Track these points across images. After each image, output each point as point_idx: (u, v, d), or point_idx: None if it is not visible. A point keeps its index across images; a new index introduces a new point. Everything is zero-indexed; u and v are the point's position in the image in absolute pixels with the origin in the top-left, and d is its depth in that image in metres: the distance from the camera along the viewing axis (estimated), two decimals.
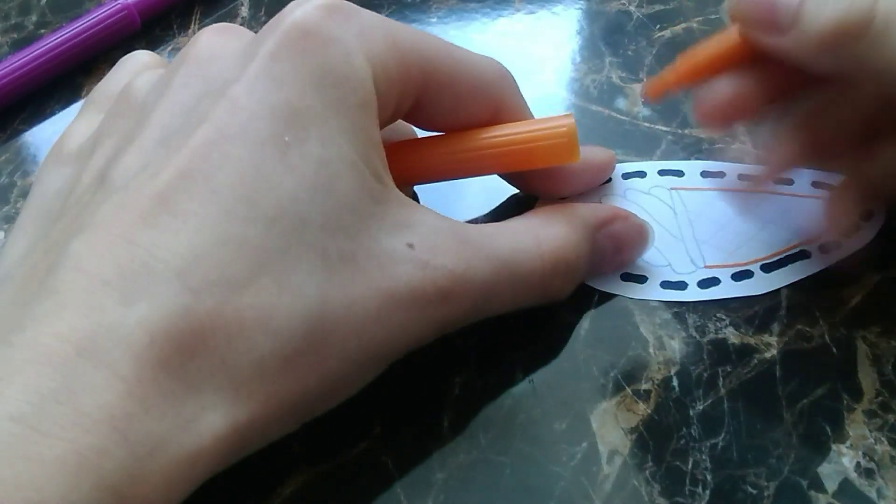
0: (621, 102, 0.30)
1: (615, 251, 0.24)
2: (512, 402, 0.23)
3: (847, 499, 0.20)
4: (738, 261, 0.25)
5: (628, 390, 0.23)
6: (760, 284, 0.24)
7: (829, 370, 0.23)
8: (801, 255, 0.25)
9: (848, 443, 0.21)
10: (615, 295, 0.25)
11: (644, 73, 0.31)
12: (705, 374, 0.23)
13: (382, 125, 0.21)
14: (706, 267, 0.25)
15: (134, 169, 0.19)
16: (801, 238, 0.25)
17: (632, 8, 0.34)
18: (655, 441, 0.22)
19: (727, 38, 0.23)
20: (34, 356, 0.16)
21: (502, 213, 0.27)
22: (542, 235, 0.22)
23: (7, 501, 0.14)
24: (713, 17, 0.33)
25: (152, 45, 0.36)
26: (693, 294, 0.24)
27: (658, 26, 0.33)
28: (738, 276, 0.25)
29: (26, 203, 0.23)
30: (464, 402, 0.23)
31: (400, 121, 0.24)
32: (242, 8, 0.37)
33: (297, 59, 0.20)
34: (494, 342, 0.24)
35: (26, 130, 0.33)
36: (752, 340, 0.23)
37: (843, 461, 0.21)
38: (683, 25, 0.33)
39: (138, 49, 0.27)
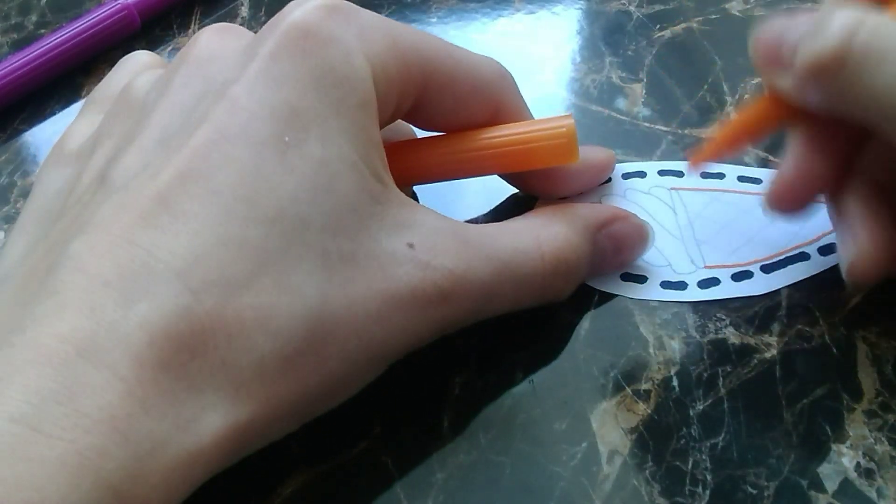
0: (621, 102, 0.30)
1: (615, 251, 0.24)
2: (512, 402, 0.23)
3: (847, 499, 0.20)
4: (737, 261, 0.25)
5: (628, 390, 0.23)
6: (760, 285, 0.24)
7: (829, 370, 0.23)
8: (801, 257, 0.25)
9: (848, 443, 0.21)
10: (615, 295, 0.25)
11: (644, 73, 0.31)
12: (705, 374, 0.23)
13: (382, 125, 0.21)
14: (706, 267, 0.25)
15: (134, 169, 0.19)
16: (800, 239, 0.25)
17: (632, 8, 0.34)
18: (655, 441, 0.22)
19: (761, 101, 0.23)
20: (34, 357, 0.16)
21: (502, 213, 0.27)
22: (543, 236, 0.22)
23: (7, 501, 0.14)
24: (713, 16, 0.33)
25: (152, 45, 0.36)
26: (693, 294, 0.24)
27: (658, 26, 0.33)
28: (738, 277, 0.25)
29: (27, 203, 0.23)
30: (464, 402, 0.23)
31: (400, 121, 0.24)
32: (242, 8, 0.37)
33: (297, 60, 0.20)
34: (494, 342, 0.24)
35: (26, 130, 0.33)
36: (752, 340, 0.23)
37: (843, 461, 0.21)
38: (683, 25, 0.33)
39: (138, 49, 0.27)
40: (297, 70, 0.19)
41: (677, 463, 0.21)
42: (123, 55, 0.27)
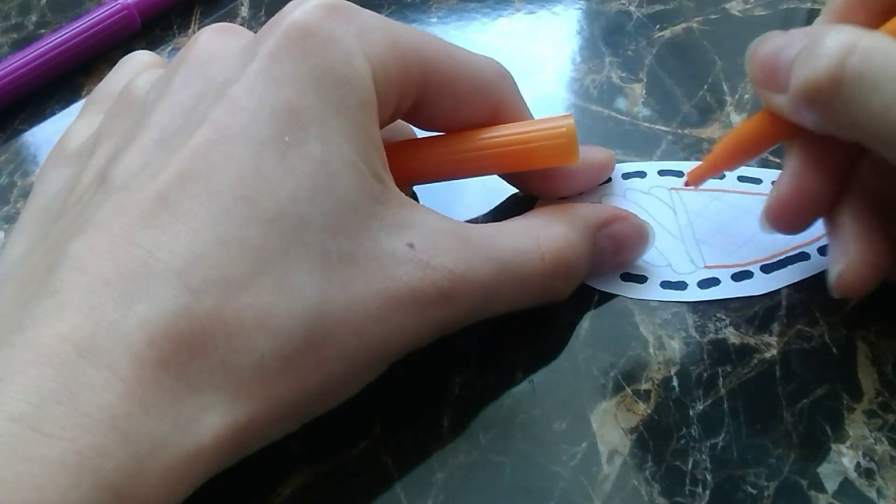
0: (621, 102, 0.30)
1: (615, 251, 0.24)
2: (512, 402, 0.23)
3: (847, 499, 0.20)
4: (737, 261, 0.25)
5: (628, 390, 0.23)
6: (760, 285, 0.24)
7: (829, 370, 0.23)
8: (801, 257, 0.25)
9: (848, 443, 0.21)
10: (615, 295, 0.25)
11: (644, 73, 0.31)
12: (705, 374, 0.23)
13: (382, 125, 0.21)
14: (706, 267, 0.25)
15: (134, 169, 0.19)
16: (800, 240, 0.25)
17: (632, 8, 0.34)
18: (655, 441, 0.22)
19: (758, 117, 0.23)
20: (34, 357, 0.16)
21: (502, 213, 0.27)
22: (543, 236, 0.22)
23: (7, 501, 0.14)
24: (713, 17, 0.33)
25: (152, 45, 0.36)
26: (693, 294, 0.24)
27: (658, 26, 0.33)
28: (738, 277, 0.25)
29: (27, 203, 0.23)
30: (464, 402, 0.23)
31: (400, 121, 0.24)
32: (242, 8, 0.37)
33: (297, 59, 0.20)
34: (494, 342, 0.24)
35: (26, 130, 0.33)
36: (752, 340, 0.23)
37: (843, 461, 0.21)
38: (683, 25, 0.33)
39: (138, 49, 0.27)
40: (297, 70, 0.19)
41: (677, 463, 0.21)
42: (123, 55, 0.27)
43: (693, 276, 0.25)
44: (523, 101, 0.25)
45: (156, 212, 0.18)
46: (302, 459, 0.22)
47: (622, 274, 0.25)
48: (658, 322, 0.24)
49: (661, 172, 0.27)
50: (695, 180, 0.25)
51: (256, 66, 0.19)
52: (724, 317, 0.24)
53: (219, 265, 0.17)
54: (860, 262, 0.22)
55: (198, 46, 0.22)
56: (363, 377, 0.20)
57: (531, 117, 0.25)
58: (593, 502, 0.21)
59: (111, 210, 0.18)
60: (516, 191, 0.27)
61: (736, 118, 0.29)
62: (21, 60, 0.33)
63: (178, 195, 0.18)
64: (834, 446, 0.21)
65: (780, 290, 0.24)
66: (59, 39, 0.34)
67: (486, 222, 0.23)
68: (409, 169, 0.24)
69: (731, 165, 0.25)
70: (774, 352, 0.23)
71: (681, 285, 0.25)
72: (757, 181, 0.27)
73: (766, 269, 0.25)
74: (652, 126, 0.29)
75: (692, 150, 0.28)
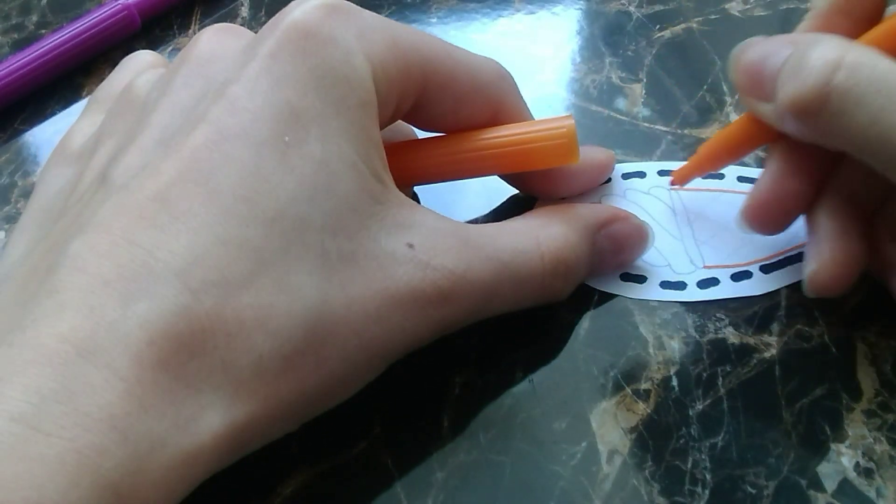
0: (621, 102, 0.30)
1: (615, 252, 0.24)
2: (512, 401, 0.23)
3: (846, 498, 0.20)
4: (737, 261, 0.25)
5: (628, 390, 0.23)
6: (759, 285, 0.24)
7: (828, 370, 0.23)
8: (800, 258, 0.25)
9: (847, 442, 0.21)
10: (615, 295, 0.25)
11: (644, 73, 0.31)
12: (705, 374, 0.23)
13: (382, 125, 0.21)
14: (705, 267, 0.25)
15: (134, 168, 0.19)
16: (799, 240, 0.25)
17: (631, 8, 0.34)
18: (655, 441, 0.22)
19: (742, 120, 0.24)
20: (34, 357, 0.16)
21: (502, 213, 0.27)
22: (542, 236, 0.22)
23: (6, 500, 0.14)
24: (713, 17, 0.33)
25: (152, 46, 0.36)
26: (692, 294, 0.24)
27: (658, 26, 0.33)
28: (738, 277, 0.25)
29: (29, 203, 0.23)
30: (464, 402, 0.23)
31: (400, 121, 0.24)
32: (243, 8, 0.37)
33: (297, 59, 0.20)
34: (494, 342, 0.24)
35: (27, 130, 0.33)
36: (751, 340, 0.23)
37: (842, 461, 0.21)
38: (683, 26, 0.33)
39: (138, 49, 0.28)
40: (298, 70, 0.19)
41: (677, 462, 0.21)
42: (124, 55, 0.27)
43: (692, 276, 0.25)
44: (523, 101, 0.25)
45: (156, 211, 0.18)
46: (302, 459, 0.22)
47: (622, 274, 0.25)
48: (658, 322, 0.24)
49: (661, 173, 0.27)
50: (680, 180, 0.26)
51: (257, 66, 0.20)
52: (723, 317, 0.24)
53: (218, 265, 0.17)
54: (833, 262, 0.22)
55: (199, 47, 0.22)
56: (363, 377, 0.20)
57: (531, 118, 0.25)
58: (593, 502, 0.21)
59: (111, 210, 0.18)
60: (516, 191, 0.27)
61: (735, 118, 0.29)
62: (21, 60, 0.33)
63: (178, 195, 0.18)
64: (833, 446, 0.21)
65: (779, 290, 0.24)
66: (59, 40, 0.34)
67: (486, 222, 0.23)
68: (410, 169, 0.24)
69: (716, 166, 0.26)
70: (774, 352, 0.23)
71: (680, 285, 0.25)
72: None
73: (766, 269, 0.25)
74: (652, 126, 0.29)
75: (692, 150, 0.28)
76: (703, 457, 0.21)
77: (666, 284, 0.25)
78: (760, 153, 0.27)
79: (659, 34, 0.32)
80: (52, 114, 0.34)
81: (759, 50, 0.22)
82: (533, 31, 0.33)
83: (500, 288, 0.21)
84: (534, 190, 0.26)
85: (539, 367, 0.23)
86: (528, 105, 0.25)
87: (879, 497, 0.20)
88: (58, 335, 0.16)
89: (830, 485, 0.21)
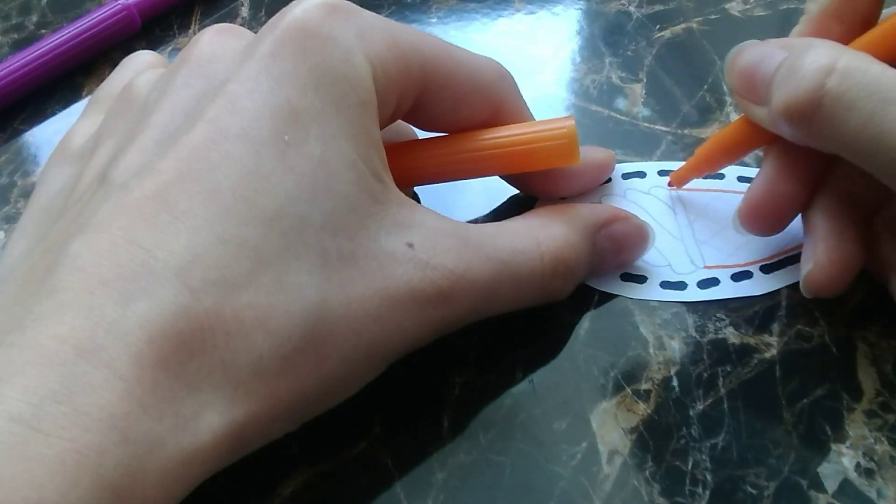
0: (621, 103, 0.30)
1: (615, 252, 0.24)
2: (512, 401, 0.23)
3: (847, 499, 0.20)
4: (737, 261, 0.25)
5: (628, 390, 0.23)
6: (760, 285, 0.24)
7: (828, 370, 0.23)
8: (800, 258, 0.25)
9: (848, 443, 0.21)
10: (615, 295, 0.25)
11: (644, 73, 0.31)
12: (705, 374, 0.23)
13: (382, 125, 0.21)
14: (706, 267, 0.25)
15: (134, 168, 0.19)
16: (800, 240, 0.25)
17: (631, 8, 0.34)
18: (655, 441, 0.22)
19: (738, 123, 0.24)
20: (34, 358, 0.16)
21: (502, 213, 0.27)
22: (542, 236, 0.22)
23: (6, 500, 0.14)
24: (713, 17, 0.33)
25: (152, 46, 0.36)
26: (693, 294, 0.24)
27: (658, 26, 0.33)
28: (738, 277, 0.25)
29: (29, 202, 0.23)
30: (464, 402, 0.23)
31: (400, 121, 0.24)
32: (243, 8, 0.37)
33: (297, 59, 0.20)
34: (494, 342, 0.24)
35: (26, 130, 0.33)
36: (751, 340, 0.23)
37: (843, 461, 0.21)
38: (683, 25, 0.33)
39: (138, 49, 0.28)
40: (298, 69, 0.19)
41: (677, 463, 0.21)
42: (124, 55, 0.27)
43: (693, 276, 0.25)
44: (523, 101, 0.25)
45: (155, 211, 0.18)
46: (302, 459, 0.22)
47: (622, 274, 0.25)
48: (658, 322, 0.24)
49: (661, 173, 0.27)
50: (677, 181, 0.26)
51: (256, 66, 0.19)
52: (723, 317, 0.24)
53: (218, 264, 0.17)
54: (828, 263, 0.22)
55: (199, 47, 0.22)
56: (362, 377, 0.20)
57: (531, 118, 0.25)
58: (593, 502, 0.21)
59: (111, 209, 0.18)
60: (516, 191, 0.27)
61: (735, 118, 0.29)
62: (21, 60, 0.33)
63: (177, 194, 0.18)
64: (834, 446, 0.21)
65: (779, 290, 0.24)
66: (59, 40, 0.34)
67: (486, 222, 0.23)
68: (410, 170, 0.24)
69: (713, 168, 0.26)
70: (774, 352, 0.23)
71: (681, 285, 0.25)
72: None
73: (766, 269, 0.25)
74: (652, 126, 0.29)
75: (692, 150, 0.28)
76: (704, 457, 0.21)
77: (666, 284, 0.25)
78: (761, 153, 0.27)
79: (659, 34, 0.32)
80: (52, 114, 0.34)
81: (754, 54, 0.22)
82: (533, 31, 0.33)
83: (499, 288, 0.21)
84: (534, 190, 0.26)
85: (539, 367, 0.23)
86: (529, 105, 0.25)
87: (880, 497, 0.20)
88: (57, 336, 0.16)
89: (831, 485, 0.21)
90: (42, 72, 0.34)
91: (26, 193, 0.30)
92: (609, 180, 0.27)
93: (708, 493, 0.21)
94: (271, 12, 0.31)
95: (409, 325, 0.20)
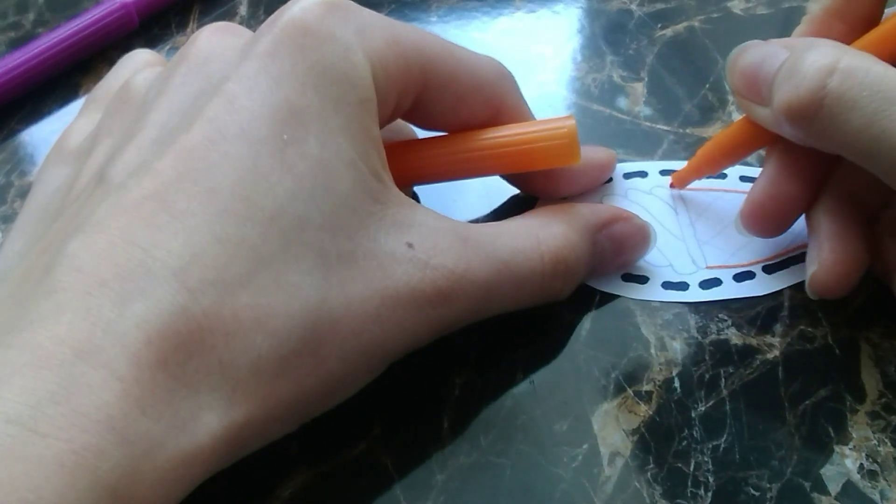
0: (622, 102, 0.30)
1: (616, 252, 0.24)
2: (512, 402, 0.22)
3: (850, 500, 0.20)
4: (739, 262, 0.25)
5: (629, 391, 0.22)
6: (762, 286, 0.24)
7: (831, 371, 0.22)
8: (803, 258, 0.25)
9: (851, 444, 0.21)
10: (616, 295, 0.24)
11: (645, 72, 0.31)
12: (707, 375, 0.23)
13: (382, 124, 0.21)
14: (708, 268, 0.25)
15: (132, 167, 0.19)
16: (802, 240, 0.25)
17: (633, 6, 0.33)
18: (657, 442, 0.21)
19: (739, 124, 0.24)
20: (32, 359, 0.15)
21: (502, 213, 0.27)
22: (543, 236, 0.22)
23: (4, 502, 0.14)
24: (715, 15, 0.33)
25: (150, 44, 0.35)
26: (695, 295, 0.24)
27: (659, 25, 0.33)
28: (740, 277, 0.25)
29: (26, 202, 0.23)
30: (464, 403, 0.23)
31: (400, 121, 0.24)
32: (241, 7, 0.36)
33: (296, 57, 0.19)
34: (494, 342, 0.24)
35: (23, 130, 0.33)
36: (754, 341, 0.23)
37: (846, 463, 0.21)
38: (685, 24, 0.32)
39: (136, 48, 0.27)
40: (297, 67, 0.19)
41: (679, 464, 0.21)
42: (122, 54, 0.27)
43: (695, 276, 0.25)
44: (524, 100, 0.25)
45: (153, 211, 0.17)
46: (302, 460, 0.22)
47: (623, 274, 0.25)
48: (659, 323, 0.24)
49: (663, 172, 0.27)
50: (679, 183, 0.26)
51: (255, 64, 0.19)
52: (725, 317, 0.24)
53: (216, 264, 0.17)
54: (834, 263, 0.22)
55: (197, 45, 0.22)
56: (362, 377, 0.20)
57: (532, 117, 0.25)
58: None
59: (109, 209, 0.18)
60: (517, 191, 0.27)
61: (737, 117, 0.29)
62: (19, 59, 0.33)
63: (175, 194, 0.18)
64: (837, 448, 0.21)
65: (782, 290, 0.24)
66: (56, 38, 0.34)
67: (486, 222, 0.23)
68: (410, 169, 0.24)
69: (714, 169, 0.26)
70: (777, 353, 0.23)
71: (682, 286, 0.25)
72: None
73: (768, 269, 0.25)
74: (653, 125, 0.29)
75: (694, 149, 0.28)
76: (706, 459, 0.21)
77: (668, 285, 0.25)
78: (763, 152, 0.27)
79: (661, 33, 0.32)
80: (50, 113, 0.33)
81: (755, 54, 0.22)
82: (534, 29, 0.33)
83: (499, 287, 0.21)
84: (535, 190, 0.26)
85: (540, 367, 0.23)
86: (529, 104, 0.25)
87: (883, 499, 0.20)
88: (55, 336, 0.16)
89: (834, 487, 0.20)
90: (39, 70, 0.33)
91: (23, 193, 0.30)
92: (610, 180, 0.27)
93: (710, 494, 0.21)
94: (270, 10, 0.31)
95: (408, 325, 0.20)
